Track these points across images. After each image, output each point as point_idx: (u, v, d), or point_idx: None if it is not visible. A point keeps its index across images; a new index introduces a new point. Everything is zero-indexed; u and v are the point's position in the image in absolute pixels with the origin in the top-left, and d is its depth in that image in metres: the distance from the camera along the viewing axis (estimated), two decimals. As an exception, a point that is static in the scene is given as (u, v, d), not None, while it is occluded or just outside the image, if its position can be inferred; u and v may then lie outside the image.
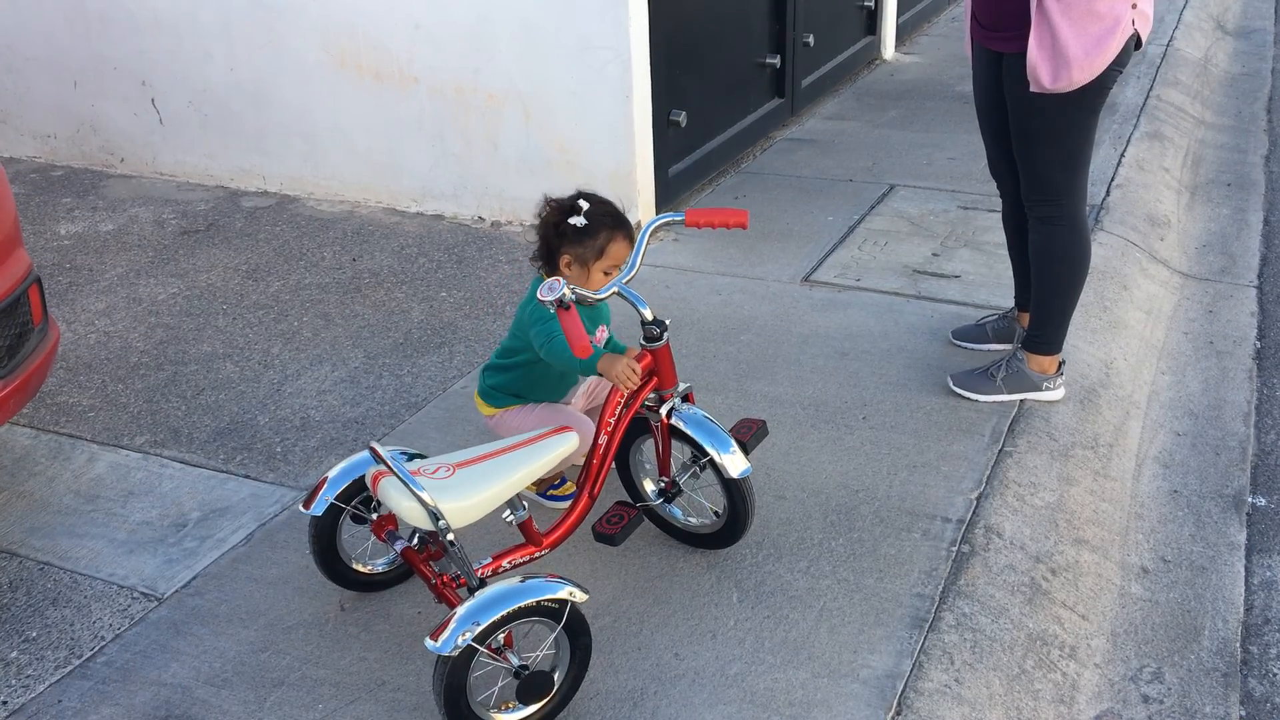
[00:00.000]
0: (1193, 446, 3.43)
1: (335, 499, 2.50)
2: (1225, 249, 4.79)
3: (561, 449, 2.44)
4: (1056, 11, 2.89)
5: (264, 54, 5.12)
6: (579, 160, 4.68)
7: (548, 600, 2.18)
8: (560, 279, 2.31)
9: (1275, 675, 2.60)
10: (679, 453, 2.74)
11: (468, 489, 2.25)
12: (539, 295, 2.32)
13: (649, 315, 2.51)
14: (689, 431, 2.61)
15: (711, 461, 2.59)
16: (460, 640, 2.08)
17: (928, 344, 3.75)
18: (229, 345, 3.93)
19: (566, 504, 2.66)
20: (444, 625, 2.11)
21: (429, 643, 2.10)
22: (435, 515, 2.20)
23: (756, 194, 5.15)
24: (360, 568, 2.65)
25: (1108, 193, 4.99)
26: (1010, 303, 3.91)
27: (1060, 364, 3.40)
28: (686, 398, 2.67)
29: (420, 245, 4.72)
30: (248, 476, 3.17)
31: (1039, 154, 3.13)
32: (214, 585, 2.74)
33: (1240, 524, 3.09)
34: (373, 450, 2.26)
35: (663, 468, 2.74)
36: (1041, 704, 2.42)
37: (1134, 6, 2.94)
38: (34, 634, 2.60)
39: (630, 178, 4.60)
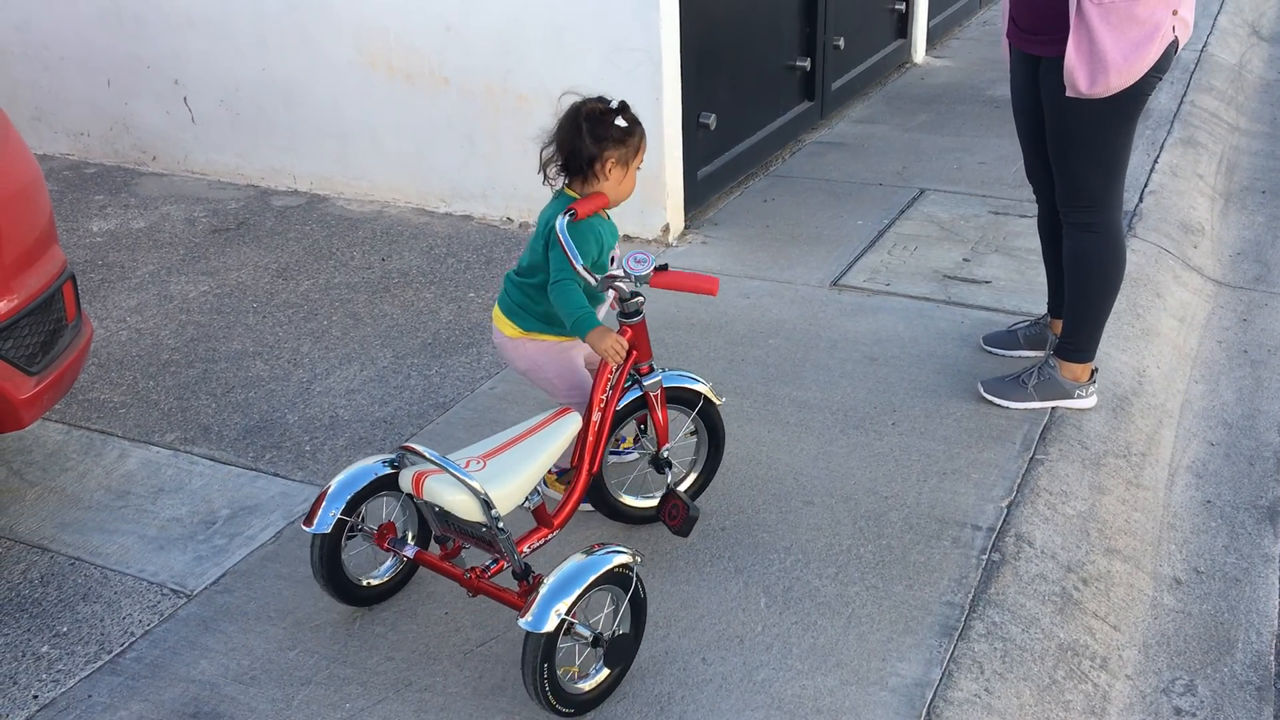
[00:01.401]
0: (1226, 456, 3.39)
1: (340, 514, 2.45)
2: (1260, 257, 4.74)
3: (571, 430, 2.50)
4: (1096, 16, 2.86)
5: (296, 54, 5.14)
6: (608, 162, 4.67)
7: (616, 567, 2.28)
8: (648, 253, 2.53)
9: (1310, 690, 2.57)
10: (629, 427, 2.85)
11: (506, 476, 2.31)
12: (628, 265, 2.52)
13: (627, 289, 2.57)
14: (681, 384, 2.79)
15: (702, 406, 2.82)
16: (555, 615, 2.15)
17: (958, 350, 3.72)
18: (259, 343, 3.94)
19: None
20: (529, 605, 2.17)
21: (523, 622, 2.16)
22: (487, 504, 2.25)
23: (785, 197, 5.13)
24: (367, 581, 2.62)
25: (1141, 199, 4.95)
26: (1042, 309, 3.88)
27: (1093, 372, 3.37)
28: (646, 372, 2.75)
29: (449, 245, 4.73)
30: (277, 474, 3.19)
31: (1075, 160, 3.10)
32: (243, 583, 2.75)
33: (1274, 535, 3.05)
34: (410, 449, 2.32)
35: (662, 438, 2.78)
36: (1072, 715, 2.40)
37: (1175, 13, 2.91)
38: (64, 629, 2.62)
39: (659, 180, 4.60)
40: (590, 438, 2.61)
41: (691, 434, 2.95)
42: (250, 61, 5.26)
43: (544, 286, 2.63)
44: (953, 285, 4.20)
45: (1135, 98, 2.97)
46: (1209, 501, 3.19)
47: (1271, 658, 2.65)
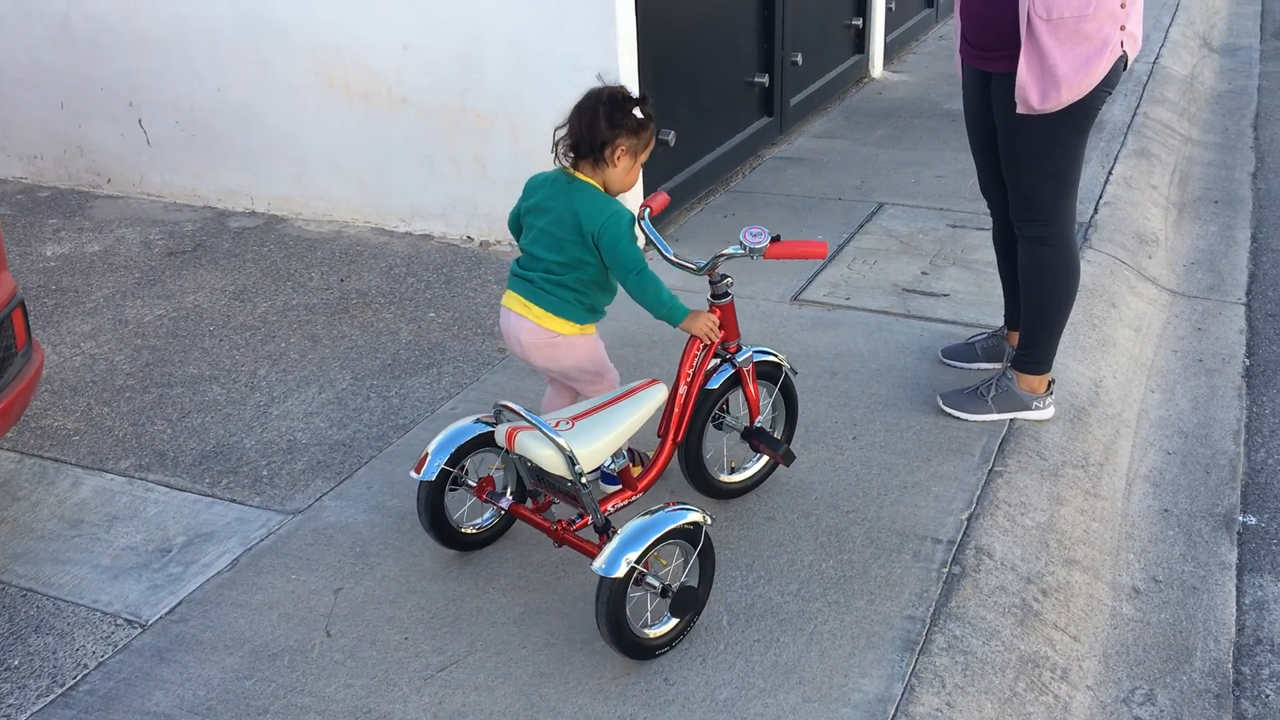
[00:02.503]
0: (1183, 465, 3.42)
1: (444, 464, 2.65)
2: (1213, 266, 4.80)
3: (658, 399, 2.65)
4: (1046, 32, 2.89)
5: (252, 74, 5.11)
6: (568, 180, 4.67)
7: (686, 524, 2.42)
8: (762, 226, 2.67)
9: (1268, 696, 2.59)
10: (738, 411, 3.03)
11: (591, 436, 2.48)
12: (744, 239, 2.66)
13: (718, 274, 2.77)
14: (765, 359, 2.94)
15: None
16: (625, 562, 2.31)
17: (917, 363, 3.74)
18: (215, 367, 3.90)
19: (616, 487, 2.80)
20: (602, 553, 2.33)
21: (596, 567, 2.31)
22: (571, 460, 2.41)
23: (746, 213, 5.15)
24: (466, 529, 2.82)
25: (1096, 210, 5.00)
26: (999, 321, 3.91)
27: (1050, 383, 3.39)
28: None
29: (409, 265, 4.71)
30: (234, 500, 3.15)
31: (1027, 174, 3.13)
32: (199, 611, 2.71)
33: (1231, 543, 3.08)
34: (507, 407, 2.49)
35: (754, 410, 2.96)
36: (1034, 727, 2.41)
37: (1123, 28, 2.95)
38: (16, 662, 2.57)
39: (620, 197, 4.59)
40: (676, 409, 2.78)
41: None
42: (206, 82, 5.23)
43: (593, 280, 2.73)
44: (912, 299, 4.22)
45: (1086, 112, 3.01)
46: (1166, 510, 3.21)
47: (1230, 665, 2.67)
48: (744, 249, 2.70)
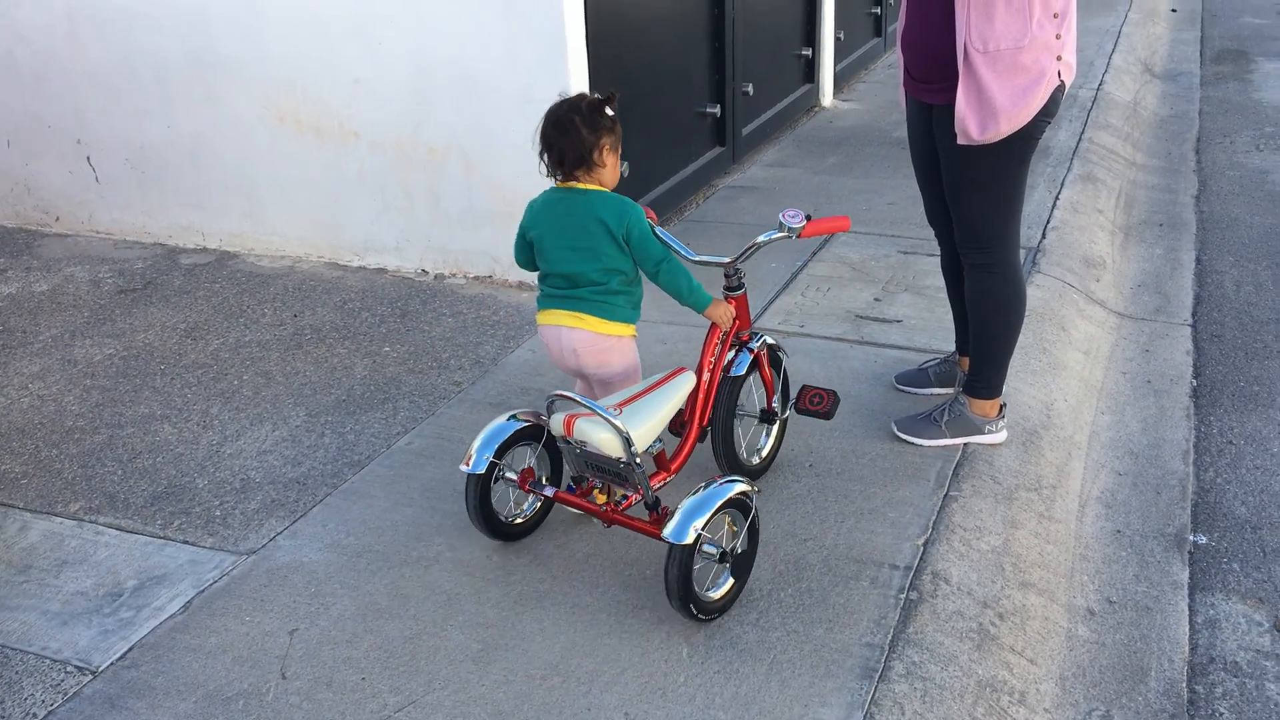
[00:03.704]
0: (1134, 486, 3.47)
1: (491, 458, 2.80)
2: (1159, 288, 4.89)
3: (688, 384, 2.86)
4: (983, 64, 2.94)
5: (202, 110, 5.08)
6: (522, 212, 4.67)
7: (738, 494, 2.64)
8: (798, 208, 2.89)
9: (1221, 715, 2.62)
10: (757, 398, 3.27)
11: (640, 419, 2.67)
12: (784, 218, 2.84)
13: (731, 269, 3.02)
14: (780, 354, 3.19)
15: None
16: (693, 530, 2.52)
17: (871, 389, 3.77)
18: (167, 406, 3.86)
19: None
20: (670, 522, 2.54)
21: (667, 534, 2.52)
22: (628, 441, 2.59)
23: (700, 242, 5.17)
24: (512, 520, 2.98)
25: (1044, 235, 5.08)
26: (951, 346, 3.95)
27: (1001, 407, 3.43)
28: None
29: (363, 299, 4.69)
30: (186, 542, 3.11)
31: (971, 203, 3.17)
32: (151, 656, 2.66)
33: (1183, 563, 3.12)
34: (562, 395, 2.67)
35: (770, 391, 3.23)
36: (993, 752, 2.42)
37: (1059, 58, 3.01)
38: (-39, 714, 2.51)
39: (574, 228, 4.61)
40: (701, 395, 2.98)
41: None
42: (155, 119, 5.19)
43: (632, 278, 2.89)
44: (865, 325, 4.26)
45: (1026, 141, 3.06)
46: (1119, 531, 3.25)
47: (1184, 685, 2.70)
48: (784, 230, 2.88)
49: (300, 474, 3.41)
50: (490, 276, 4.86)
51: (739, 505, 2.69)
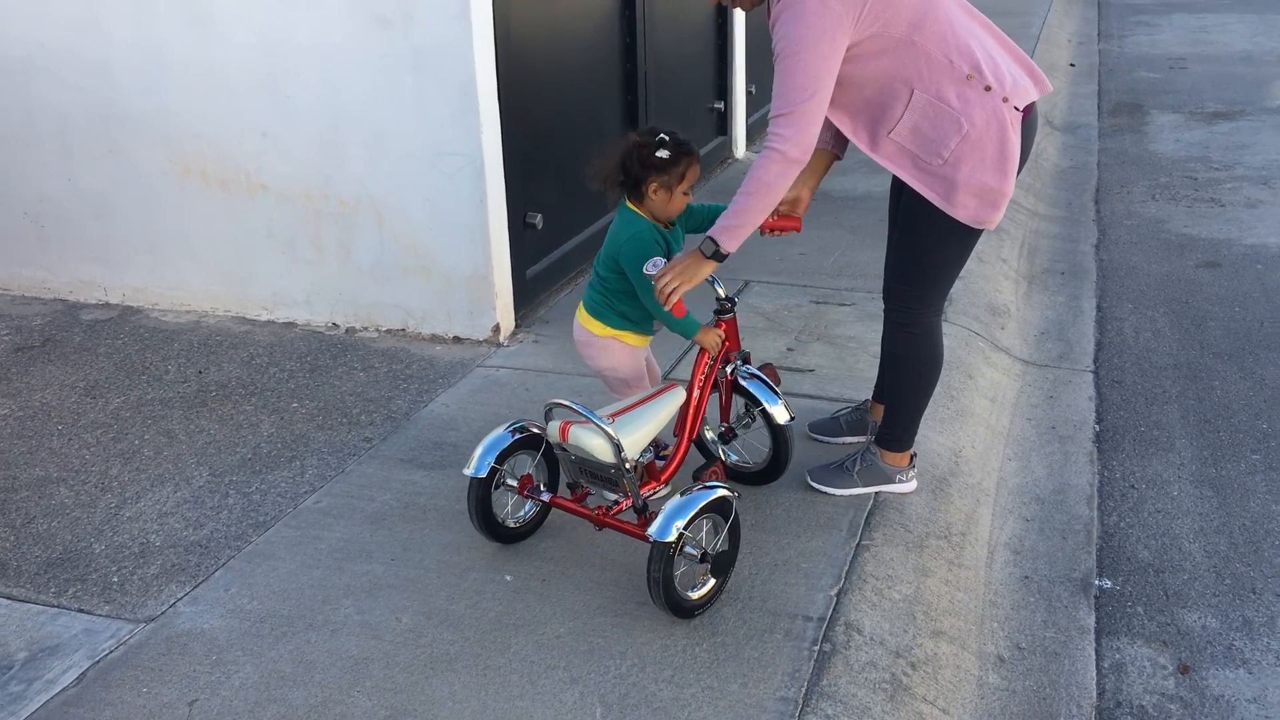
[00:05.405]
0: (1041, 531, 3.52)
1: (493, 463, 3.00)
2: (1062, 335, 5.01)
3: (678, 399, 3.07)
4: (947, 170, 2.97)
5: (105, 164, 4.98)
6: (435, 265, 4.65)
7: (719, 498, 2.81)
8: (662, 258, 3.02)
9: (1129, 758, 2.65)
10: (735, 405, 3.40)
11: (631, 428, 2.88)
12: (645, 270, 3.00)
13: (722, 293, 3.23)
14: (748, 387, 3.27)
15: (763, 411, 3.27)
16: (676, 528, 2.68)
17: (785, 440, 3.79)
18: (63, 468, 3.73)
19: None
20: (654, 521, 2.71)
21: (651, 532, 2.70)
22: (619, 447, 2.80)
23: (614, 293, 5.18)
24: (511, 524, 3.16)
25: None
26: (863, 395, 4.00)
27: (912, 457, 3.47)
28: (746, 360, 3.32)
29: (271, 354, 4.60)
30: (81, 610, 2.99)
31: (913, 260, 3.18)
32: (40, 733, 2.55)
33: (1089, 607, 3.17)
34: (559, 404, 2.88)
35: (724, 415, 3.40)
36: (907, 804, 2.41)
37: (1005, 100, 2.95)
38: None
39: (487, 281, 4.59)
40: (690, 411, 3.15)
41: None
42: (55, 172, 5.07)
43: (621, 291, 3.14)
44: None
45: (976, 232, 3.10)
46: (1027, 577, 3.30)
47: (1092, 729, 2.73)
48: (651, 277, 3.02)
49: (202, 537, 3.31)
50: (403, 329, 4.81)
51: (720, 509, 2.84)
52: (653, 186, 3.06)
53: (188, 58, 4.69)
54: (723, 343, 3.21)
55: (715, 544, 2.86)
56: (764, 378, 3.29)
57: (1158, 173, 7.61)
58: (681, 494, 2.78)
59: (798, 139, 2.88)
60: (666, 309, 3.03)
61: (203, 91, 4.71)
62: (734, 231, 3.00)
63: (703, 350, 3.19)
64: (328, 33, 4.45)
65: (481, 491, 3.04)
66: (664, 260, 3.04)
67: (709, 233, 3.05)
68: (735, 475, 3.46)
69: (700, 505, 2.76)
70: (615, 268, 3.13)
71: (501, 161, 4.54)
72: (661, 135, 3.06)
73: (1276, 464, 3.88)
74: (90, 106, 4.90)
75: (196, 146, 4.80)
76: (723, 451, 3.47)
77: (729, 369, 3.30)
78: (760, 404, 3.28)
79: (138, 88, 4.80)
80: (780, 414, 3.26)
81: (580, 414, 2.82)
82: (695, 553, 2.81)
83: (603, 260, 3.18)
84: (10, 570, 3.17)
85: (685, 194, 3.11)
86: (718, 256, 3.02)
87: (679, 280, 2.99)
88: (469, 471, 3.01)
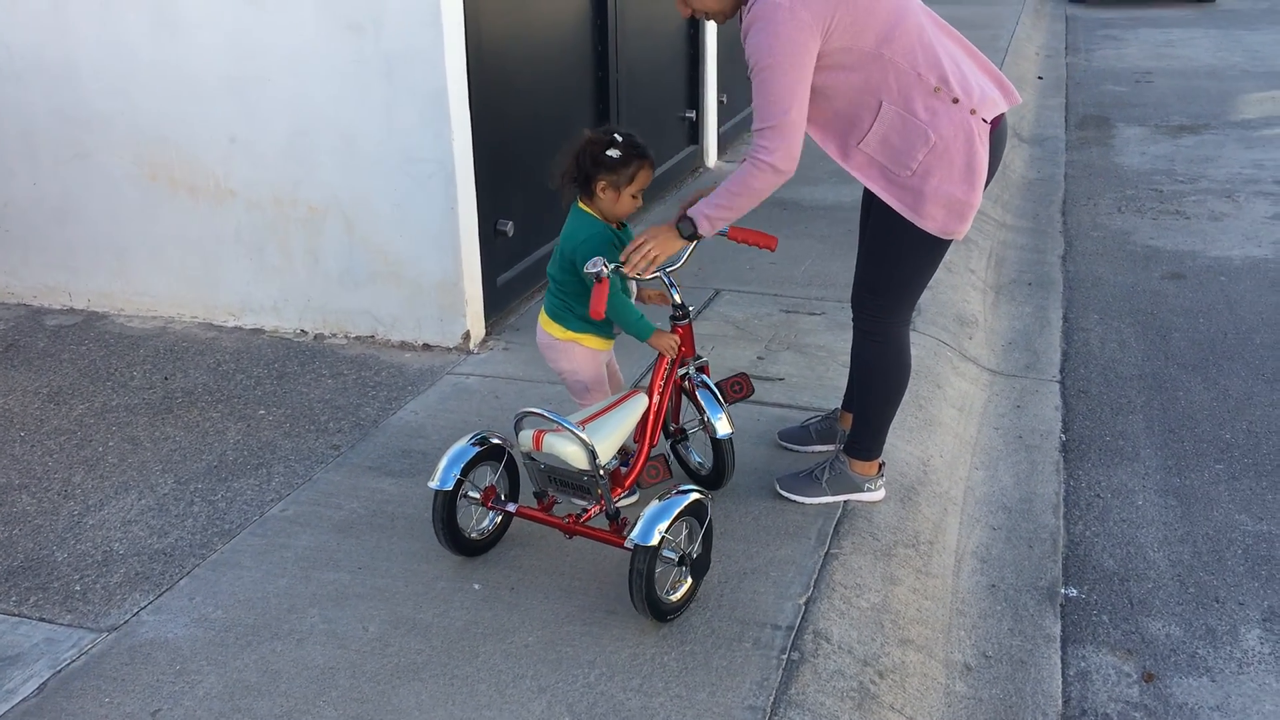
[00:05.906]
0: (1007, 540, 3.54)
1: (458, 475, 2.99)
2: (1029, 345, 5.05)
3: (641, 406, 3.09)
4: (915, 181, 2.99)
5: (70, 168, 4.93)
6: (404, 271, 4.63)
7: (693, 501, 2.83)
8: (603, 258, 2.93)
9: (1094, 766, 2.67)
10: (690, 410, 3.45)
11: (603, 434, 2.91)
12: (586, 269, 2.93)
13: (678, 300, 3.22)
14: (697, 394, 3.27)
15: (703, 421, 3.27)
16: (657, 532, 2.71)
17: (754, 447, 3.80)
18: (25, 475, 3.68)
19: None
20: (636, 526, 2.73)
21: (634, 536, 2.72)
22: (593, 453, 2.84)
23: (585, 301, 5.18)
24: (474, 535, 3.14)
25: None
26: (833, 403, 4.01)
27: (880, 465, 3.48)
28: (703, 369, 3.34)
29: (238, 361, 4.56)
30: (42, 619, 2.95)
31: (881, 269, 3.19)
32: (-1, 744, 2.51)
33: (1055, 616, 3.19)
34: (531, 412, 2.88)
35: (674, 416, 3.46)
36: (874, 813, 2.42)
37: (972, 112, 2.97)
38: None
39: (457, 288, 4.57)
40: (651, 416, 3.14)
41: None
42: (20, 177, 5.01)
43: (577, 293, 3.13)
44: (748, 384, 4.29)
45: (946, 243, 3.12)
46: (994, 585, 3.32)
47: (1057, 736, 2.75)
48: (590, 276, 2.96)
49: (166, 545, 3.27)
50: (372, 336, 4.78)
51: (696, 512, 2.87)
52: (601, 185, 3.07)
53: (155, 60, 4.65)
54: (679, 347, 3.22)
55: (693, 548, 2.89)
56: (713, 388, 3.29)
57: (1124, 185, 7.69)
58: (660, 498, 2.80)
59: (783, 150, 2.92)
60: (642, 273, 3.03)
61: (171, 95, 4.68)
62: (713, 221, 3.05)
63: (661, 356, 3.21)
64: (298, 37, 4.43)
65: (447, 504, 3.03)
66: (602, 261, 2.99)
67: (689, 212, 3.08)
68: (694, 477, 3.52)
69: (680, 508, 2.80)
70: (570, 270, 3.13)
71: (472, 168, 4.53)
72: (615, 135, 3.06)
73: (1240, 474, 3.93)
74: (55, 110, 4.85)
75: (164, 150, 4.76)
76: (682, 450, 3.53)
77: (681, 372, 3.32)
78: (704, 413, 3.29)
79: (104, 91, 4.76)
80: (721, 426, 3.25)
81: (554, 421, 2.83)
82: (673, 556, 2.84)
83: (557, 263, 3.18)
84: (-30, 579, 3.12)
85: (634, 196, 3.11)
86: (693, 237, 3.08)
87: (659, 250, 3.03)
88: (434, 484, 2.99)
